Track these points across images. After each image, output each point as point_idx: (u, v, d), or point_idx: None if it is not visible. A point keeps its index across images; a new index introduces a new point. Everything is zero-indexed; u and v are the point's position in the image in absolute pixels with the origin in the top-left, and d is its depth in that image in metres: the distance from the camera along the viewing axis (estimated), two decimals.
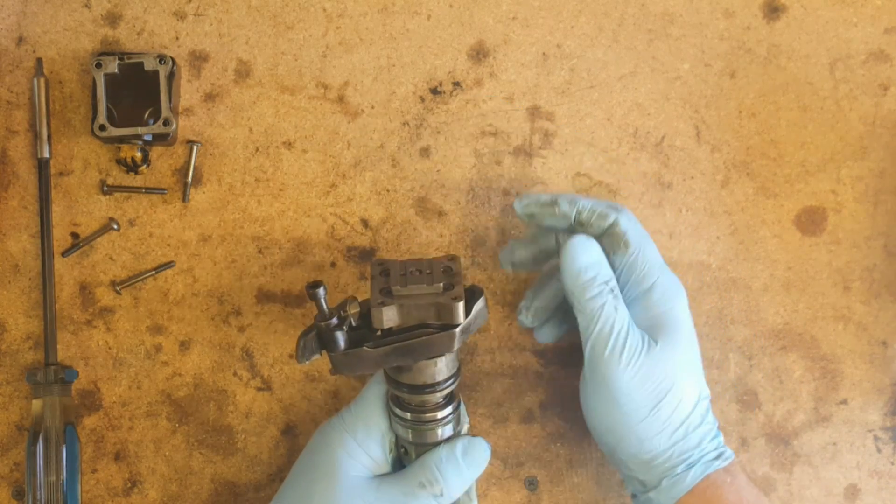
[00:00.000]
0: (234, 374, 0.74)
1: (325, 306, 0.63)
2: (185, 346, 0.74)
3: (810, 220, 0.76)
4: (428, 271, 0.64)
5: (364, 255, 0.74)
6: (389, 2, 0.74)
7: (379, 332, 0.63)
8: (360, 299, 0.65)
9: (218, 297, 0.74)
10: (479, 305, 0.64)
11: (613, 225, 0.67)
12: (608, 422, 0.66)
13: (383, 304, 0.62)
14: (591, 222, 0.67)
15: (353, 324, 0.64)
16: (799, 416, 0.76)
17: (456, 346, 0.63)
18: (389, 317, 0.62)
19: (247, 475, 0.75)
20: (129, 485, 0.74)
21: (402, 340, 0.63)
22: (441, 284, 0.63)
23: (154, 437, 0.74)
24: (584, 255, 0.65)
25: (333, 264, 0.74)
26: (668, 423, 0.65)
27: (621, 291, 0.67)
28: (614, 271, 0.67)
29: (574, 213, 0.67)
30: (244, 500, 0.75)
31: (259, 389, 0.75)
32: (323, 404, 0.75)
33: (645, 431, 0.65)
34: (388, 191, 0.75)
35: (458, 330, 0.62)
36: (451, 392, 0.66)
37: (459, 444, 0.66)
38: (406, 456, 0.67)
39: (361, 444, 0.66)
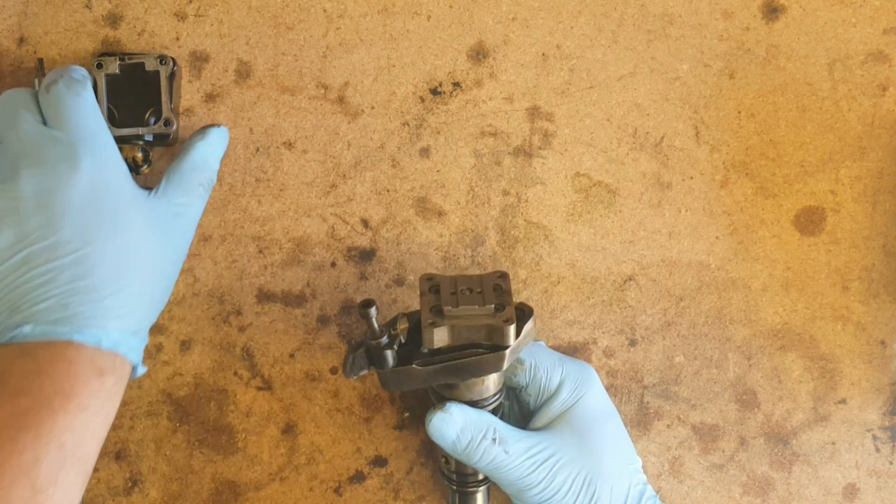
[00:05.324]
0: (235, 373, 0.75)
1: (376, 325, 0.62)
2: (185, 345, 0.74)
3: (809, 221, 0.76)
4: (479, 290, 0.63)
5: (364, 256, 0.75)
6: (389, 2, 0.74)
7: (427, 351, 0.63)
8: (408, 313, 0.65)
9: (218, 296, 0.74)
10: (528, 326, 0.64)
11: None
12: None
13: (434, 324, 0.61)
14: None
15: (403, 341, 0.64)
16: (798, 416, 0.76)
17: (505, 366, 0.63)
18: (440, 337, 0.62)
19: (247, 474, 0.75)
20: (130, 484, 0.75)
21: (451, 360, 0.62)
22: (492, 305, 0.62)
23: (155, 437, 0.74)
24: (450, 429, 0.64)
25: (334, 264, 0.75)
26: None
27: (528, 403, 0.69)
28: (523, 388, 0.68)
29: None
30: (244, 499, 0.75)
31: (259, 389, 0.75)
32: (323, 404, 0.75)
33: None
34: (388, 191, 0.75)
35: (508, 351, 0.62)
36: (496, 407, 0.67)
37: (210, 134, 0.67)
38: (447, 465, 0.69)
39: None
